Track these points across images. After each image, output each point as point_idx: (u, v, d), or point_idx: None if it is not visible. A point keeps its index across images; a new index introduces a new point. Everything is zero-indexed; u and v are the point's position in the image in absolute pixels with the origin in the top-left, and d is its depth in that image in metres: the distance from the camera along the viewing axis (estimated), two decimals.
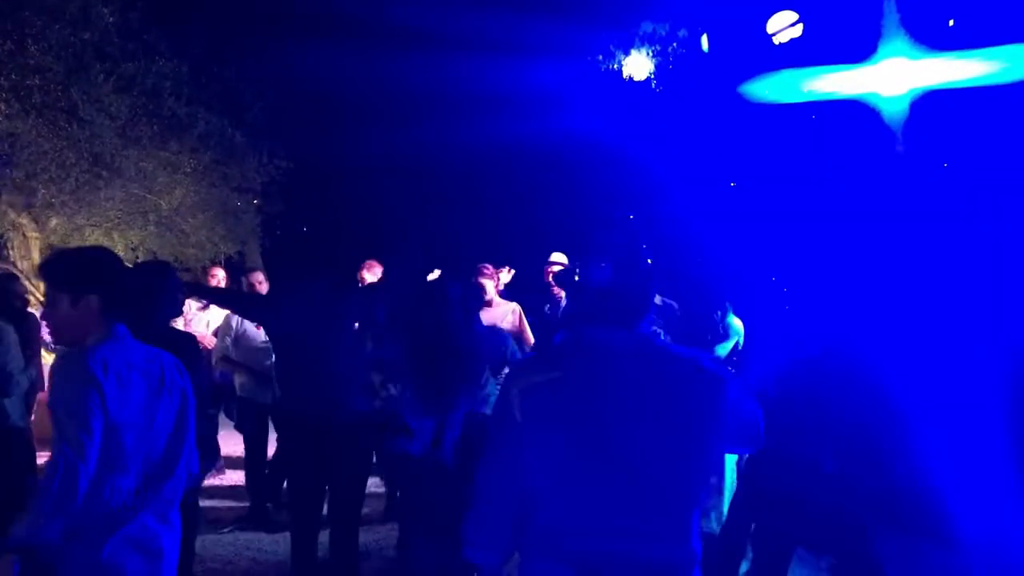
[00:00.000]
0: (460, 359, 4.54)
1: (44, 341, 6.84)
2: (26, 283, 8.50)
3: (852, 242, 6.43)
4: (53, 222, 11.95)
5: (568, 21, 12.39)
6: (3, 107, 10.52)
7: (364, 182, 17.65)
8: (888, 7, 6.57)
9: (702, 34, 10.53)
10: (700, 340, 5.24)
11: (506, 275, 7.07)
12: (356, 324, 5.20)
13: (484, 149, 15.53)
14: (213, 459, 5.19)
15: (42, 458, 4.99)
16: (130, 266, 6.96)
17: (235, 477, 7.73)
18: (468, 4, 12.93)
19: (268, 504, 6.81)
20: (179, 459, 2.92)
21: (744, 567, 4.56)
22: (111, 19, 11.32)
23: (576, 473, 2.17)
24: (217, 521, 6.59)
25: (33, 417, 6.14)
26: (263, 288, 7.52)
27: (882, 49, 6.63)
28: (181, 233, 13.22)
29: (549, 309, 7.11)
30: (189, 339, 4.71)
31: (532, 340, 6.64)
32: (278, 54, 14.30)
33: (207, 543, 6.03)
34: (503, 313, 6.69)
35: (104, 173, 11.61)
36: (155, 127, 11.92)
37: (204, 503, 7.00)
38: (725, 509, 5.09)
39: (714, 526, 5.05)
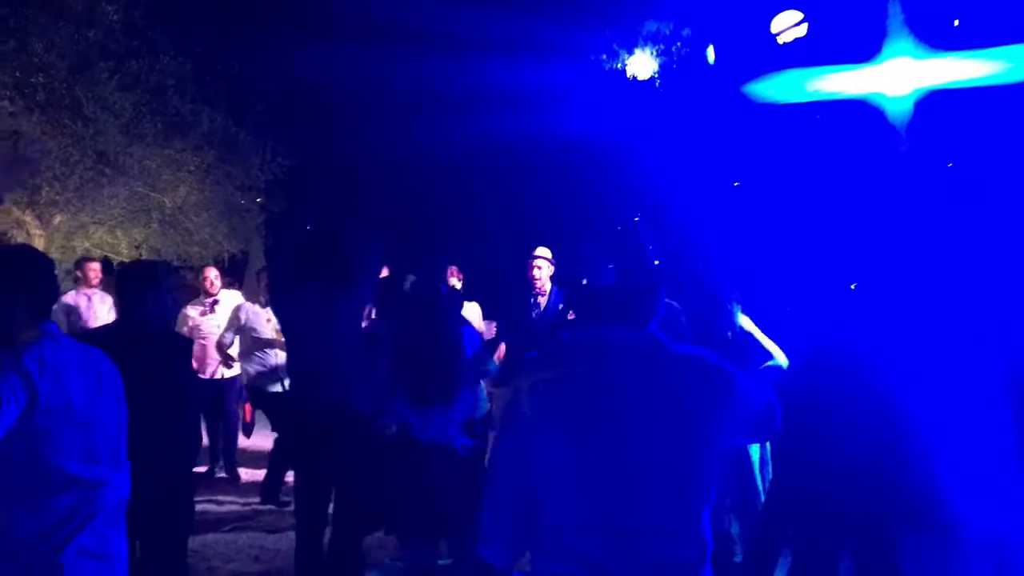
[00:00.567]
0: (453, 357, 4.57)
1: None
2: None
3: (858, 242, 6.42)
4: (57, 219, 11.97)
5: (571, 20, 12.38)
6: (7, 105, 10.54)
7: (367, 180, 17.66)
8: (893, 7, 6.56)
9: (706, 34, 10.54)
10: (707, 340, 5.21)
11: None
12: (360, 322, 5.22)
13: (487, 148, 15.54)
14: (195, 454, 5.15)
15: None
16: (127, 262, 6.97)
17: (245, 474, 7.78)
18: (471, 3, 12.92)
19: (269, 505, 6.82)
20: (123, 461, 2.84)
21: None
22: (115, 17, 11.35)
23: (583, 471, 2.17)
24: (220, 521, 6.59)
25: None
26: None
27: (887, 49, 6.63)
28: (184, 231, 13.25)
29: (537, 315, 7.21)
30: (183, 340, 4.75)
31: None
32: (282, 52, 14.31)
33: (208, 542, 6.03)
34: (469, 313, 6.99)
35: (108, 171, 11.64)
36: (159, 125, 11.95)
37: (207, 502, 7.02)
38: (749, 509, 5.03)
39: (733, 528, 4.99)
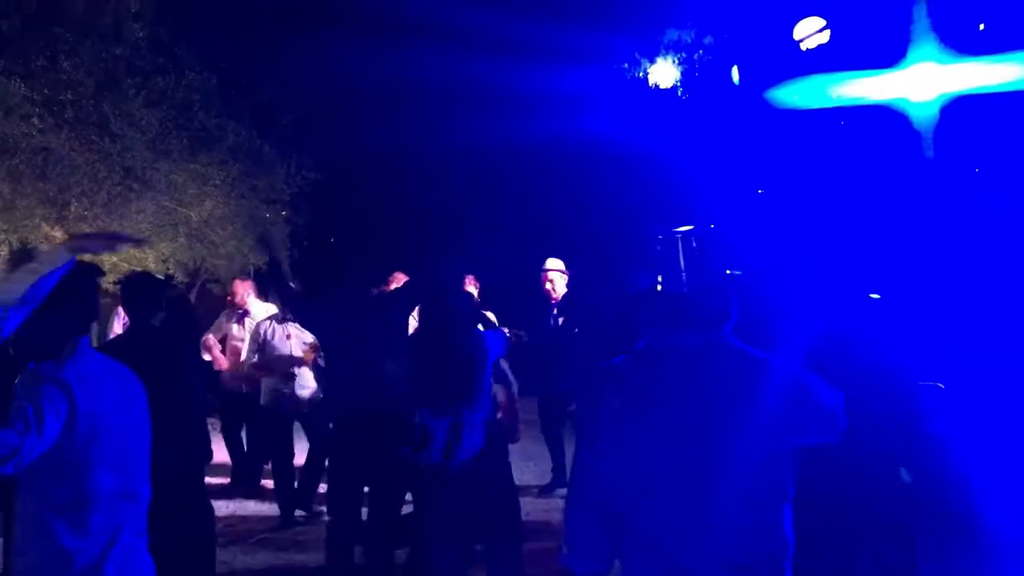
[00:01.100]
0: (472, 361, 4.60)
1: None
2: None
3: (881, 248, 6.37)
4: None
5: (592, 29, 12.39)
6: (36, 121, 10.69)
7: (392, 191, 17.75)
8: (918, 12, 6.52)
9: (728, 42, 10.50)
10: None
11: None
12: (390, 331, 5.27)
13: (511, 157, 15.58)
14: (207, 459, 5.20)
15: None
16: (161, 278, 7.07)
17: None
18: (493, 11, 12.96)
19: (301, 512, 6.85)
20: (146, 472, 2.86)
21: None
22: (141, 34, 11.48)
23: (664, 474, 2.23)
24: (248, 532, 6.62)
25: None
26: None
27: (911, 54, 6.58)
28: (211, 244, 13.33)
29: (554, 325, 7.24)
30: (189, 347, 4.86)
31: None
32: (306, 67, 14.42)
33: (236, 552, 6.06)
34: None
35: (135, 186, 11.75)
36: (185, 140, 12.05)
37: (234, 512, 7.06)
38: None
39: None
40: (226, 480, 7.83)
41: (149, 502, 2.87)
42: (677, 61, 12.48)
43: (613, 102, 12.90)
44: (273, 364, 6.96)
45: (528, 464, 8.01)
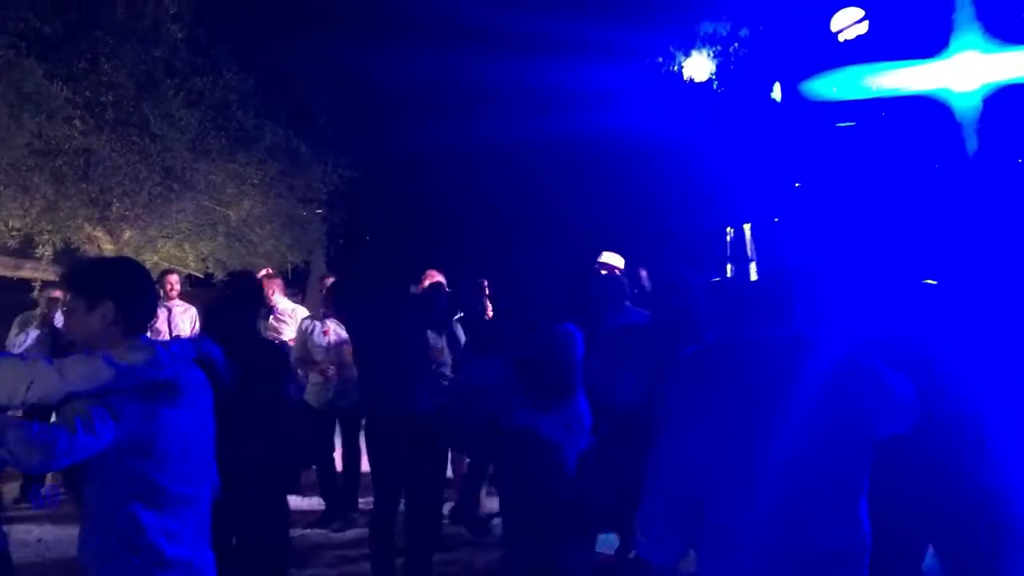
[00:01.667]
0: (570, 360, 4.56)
1: None
2: None
3: (924, 241, 6.29)
4: (127, 234, 12.28)
5: (626, 23, 12.34)
6: (78, 123, 10.87)
7: (427, 189, 17.82)
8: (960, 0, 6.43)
9: (763, 34, 10.41)
10: None
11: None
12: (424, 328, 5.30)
13: (546, 154, 15.57)
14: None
15: None
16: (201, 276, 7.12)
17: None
18: (527, 6, 12.96)
19: (352, 514, 6.89)
20: (209, 476, 2.85)
21: None
22: (180, 35, 11.63)
23: (741, 467, 2.23)
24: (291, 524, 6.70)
25: None
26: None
27: (954, 43, 6.49)
28: (249, 243, 13.48)
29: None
30: (276, 349, 4.93)
31: None
32: (342, 66, 14.51)
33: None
34: None
35: (175, 186, 11.92)
36: (224, 140, 12.19)
37: None
38: None
39: None
40: None
41: (217, 498, 2.88)
42: (712, 54, 12.39)
43: (647, 97, 12.84)
44: (314, 360, 7.01)
45: None
